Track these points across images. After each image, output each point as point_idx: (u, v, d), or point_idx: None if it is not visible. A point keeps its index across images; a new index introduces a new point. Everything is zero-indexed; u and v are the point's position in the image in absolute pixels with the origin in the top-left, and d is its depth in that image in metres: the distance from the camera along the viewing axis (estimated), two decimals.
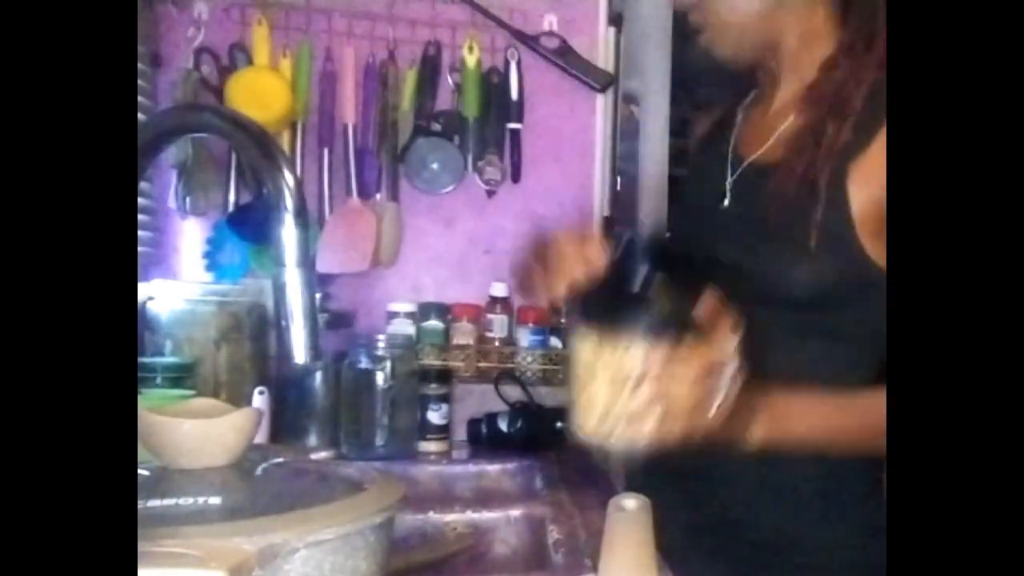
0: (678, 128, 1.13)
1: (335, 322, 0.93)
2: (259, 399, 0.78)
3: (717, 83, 0.71)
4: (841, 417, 0.54)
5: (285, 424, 0.84)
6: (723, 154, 0.63)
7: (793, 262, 0.55)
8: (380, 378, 0.84)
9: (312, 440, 0.84)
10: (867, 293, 0.53)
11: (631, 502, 0.42)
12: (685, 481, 0.58)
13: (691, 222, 0.64)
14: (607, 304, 0.46)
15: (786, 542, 0.57)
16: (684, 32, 0.65)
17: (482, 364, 1.01)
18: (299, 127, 1.04)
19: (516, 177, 1.08)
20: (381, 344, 0.86)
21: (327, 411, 0.86)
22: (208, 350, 0.82)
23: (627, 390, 0.44)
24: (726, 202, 0.60)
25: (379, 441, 0.84)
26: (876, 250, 0.54)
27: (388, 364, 0.84)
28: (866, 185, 0.54)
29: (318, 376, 0.85)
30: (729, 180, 0.61)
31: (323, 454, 0.78)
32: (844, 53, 0.57)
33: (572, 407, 0.46)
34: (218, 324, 0.83)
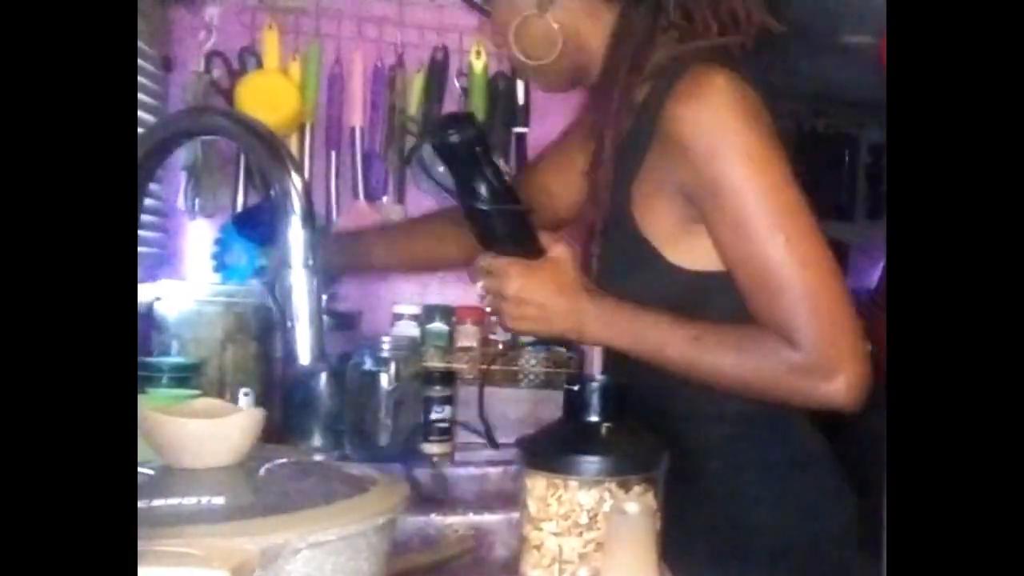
0: None
1: (341, 323, 0.94)
2: (244, 401, 0.78)
3: None
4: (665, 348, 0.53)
5: (290, 425, 0.84)
6: None
7: (615, 279, 0.57)
8: (384, 380, 0.84)
9: (317, 441, 0.84)
10: (683, 297, 0.55)
11: (632, 506, 0.42)
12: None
13: None
14: (560, 445, 0.46)
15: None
16: None
17: (485, 366, 1.01)
18: (308, 130, 1.04)
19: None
20: (386, 346, 0.86)
21: (332, 412, 0.86)
22: (214, 350, 0.82)
23: (578, 532, 0.44)
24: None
25: (384, 442, 0.84)
26: (674, 254, 0.55)
27: (393, 366, 0.84)
28: (648, 203, 0.55)
29: (323, 377, 0.86)
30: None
31: (326, 455, 0.78)
32: (606, 80, 0.57)
33: (522, 545, 0.47)
34: (224, 325, 0.83)
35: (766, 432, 0.58)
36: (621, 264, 0.57)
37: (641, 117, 0.56)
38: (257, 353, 0.85)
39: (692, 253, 0.55)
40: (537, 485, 0.46)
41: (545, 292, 0.55)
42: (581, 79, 0.62)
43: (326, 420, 0.85)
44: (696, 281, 0.55)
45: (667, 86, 0.53)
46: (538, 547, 0.45)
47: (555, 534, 0.45)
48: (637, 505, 0.42)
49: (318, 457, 0.51)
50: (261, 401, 0.81)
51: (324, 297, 0.94)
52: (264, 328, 0.85)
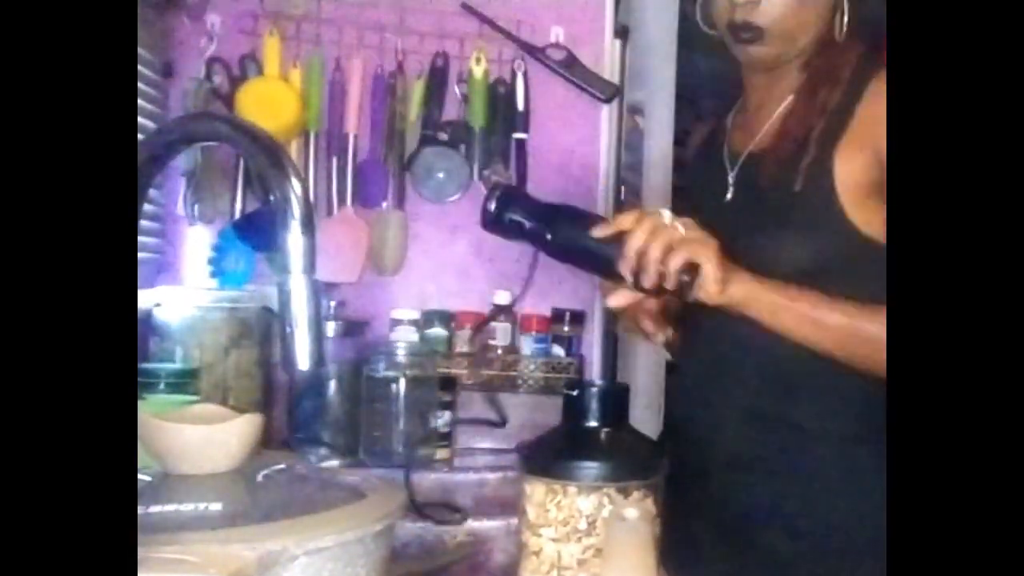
0: (681, 138, 1.14)
1: (349, 330, 0.94)
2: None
3: (714, 95, 0.75)
4: (823, 313, 0.54)
5: (298, 431, 0.84)
6: (720, 155, 0.67)
7: (785, 239, 0.58)
8: (398, 386, 0.84)
9: (325, 448, 0.84)
10: (857, 263, 0.56)
11: (632, 511, 0.42)
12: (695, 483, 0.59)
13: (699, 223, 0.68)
14: (559, 451, 0.46)
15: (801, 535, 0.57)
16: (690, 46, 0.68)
17: (485, 372, 1.01)
18: (311, 137, 1.05)
19: (521, 187, 1.09)
20: (400, 352, 0.86)
21: (341, 419, 0.86)
22: (218, 356, 0.82)
23: (577, 538, 0.44)
24: (729, 195, 0.64)
25: (398, 449, 0.84)
26: (863, 219, 0.57)
27: (407, 372, 0.85)
28: (850, 159, 0.57)
29: (332, 384, 0.85)
30: (731, 174, 0.64)
31: (334, 462, 0.78)
32: (826, 42, 0.60)
33: (521, 551, 0.46)
34: (228, 330, 0.83)
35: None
36: (797, 217, 0.58)
37: (856, 77, 0.57)
38: (260, 359, 0.84)
39: (873, 219, 0.56)
40: (536, 491, 0.45)
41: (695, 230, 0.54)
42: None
43: (336, 427, 0.85)
44: (865, 250, 0.56)
45: None
46: (537, 553, 0.45)
47: (554, 540, 0.44)
48: (637, 511, 0.42)
49: (325, 464, 0.51)
50: (263, 407, 0.81)
51: (332, 304, 0.95)
52: (267, 333, 0.85)
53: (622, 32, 1.12)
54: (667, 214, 0.55)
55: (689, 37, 1.16)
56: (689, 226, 0.54)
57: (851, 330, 0.54)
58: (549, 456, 0.46)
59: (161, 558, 0.30)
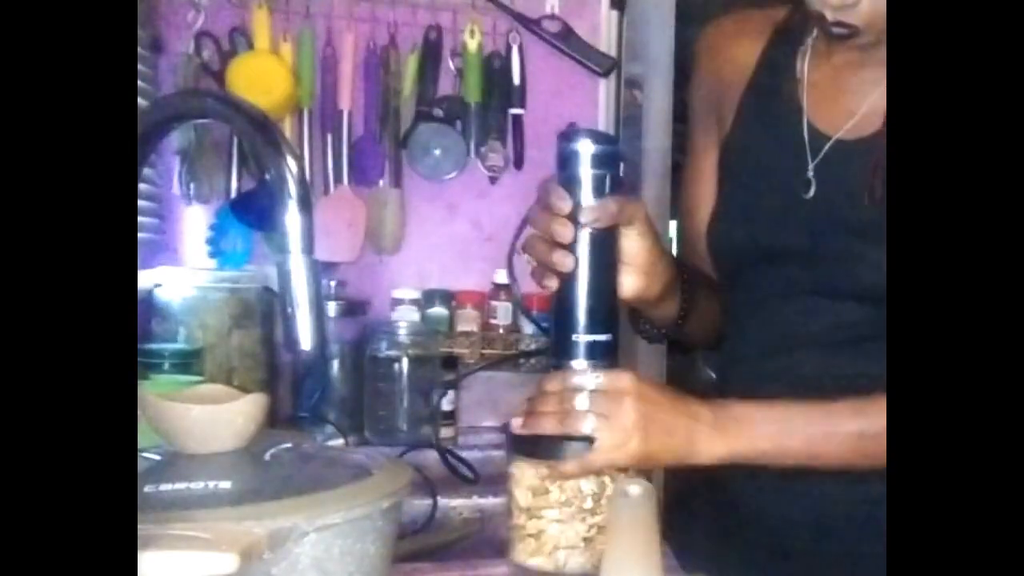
0: (681, 112, 1.12)
1: (350, 310, 0.94)
2: None
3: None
4: (822, 426, 0.46)
5: (303, 411, 0.84)
6: (793, 129, 0.49)
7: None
8: (401, 365, 0.85)
9: (329, 427, 0.85)
10: None
11: (635, 488, 0.42)
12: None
13: (759, 216, 0.51)
14: (552, 436, 0.45)
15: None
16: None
17: (487, 351, 1.02)
18: (305, 113, 1.03)
19: (519, 163, 1.08)
20: (402, 331, 0.86)
21: (345, 398, 0.86)
22: (221, 336, 0.82)
23: (581, 517, 0.44)
24: (811, 191, 0.48)
25: (402, 428, 0.85)
26: None
27: (409, 352, 0.85)
28: None
29: (335, 363, 0.86)
30: (812, 164, 0.48)
31: (339, 441, 0.79)
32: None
33: (516, 534, 0.45)
34: (230, 310, 0.83)
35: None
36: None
37: None
38: (263, 339, 0.85)
39: None
40: (525, 474, 0.45)
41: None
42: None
43: (339, 407, 0.86)
44: None
45: None
46: (535, 536, 0.45)
47: (558, 521, 0.45)
48: (639, 486, 0.42)
49: (330, 443, 0.52)
50: (267, 386, 0.81)
51: (332, 284, 0.94)
52: (268, 314, 0.85)
53: (619, 3, 1.09)
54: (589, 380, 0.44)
55: (687, 8, 1.14)
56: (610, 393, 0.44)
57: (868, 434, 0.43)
58: (546, 437, 0.46)
59: (174, 535, 0.30)
